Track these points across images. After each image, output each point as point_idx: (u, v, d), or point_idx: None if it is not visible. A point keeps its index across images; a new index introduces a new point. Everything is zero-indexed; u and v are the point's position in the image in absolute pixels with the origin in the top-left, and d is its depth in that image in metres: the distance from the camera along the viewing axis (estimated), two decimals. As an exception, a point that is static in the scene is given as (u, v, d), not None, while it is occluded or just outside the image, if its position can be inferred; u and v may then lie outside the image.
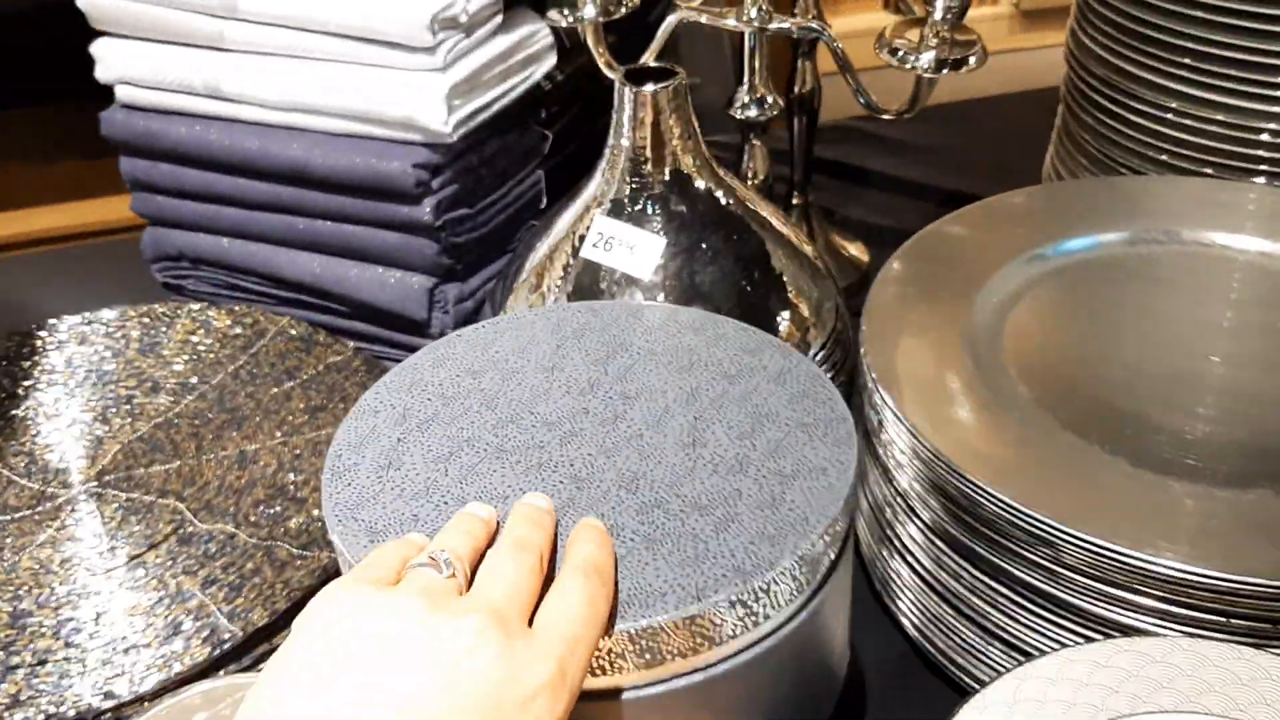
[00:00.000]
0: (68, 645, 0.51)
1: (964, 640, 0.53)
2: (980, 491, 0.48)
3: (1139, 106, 0.72)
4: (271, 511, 0.57)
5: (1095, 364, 0.57)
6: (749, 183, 0.74)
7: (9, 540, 0.57)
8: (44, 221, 1.09)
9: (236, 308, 0.71)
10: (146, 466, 0.61)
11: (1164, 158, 0.72)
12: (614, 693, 0.39)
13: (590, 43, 0.68)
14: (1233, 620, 0.46)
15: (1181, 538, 0.46)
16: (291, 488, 0.58)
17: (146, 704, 0.46)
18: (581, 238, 0.57)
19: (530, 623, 0.35)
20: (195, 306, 0.72)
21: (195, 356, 0.68)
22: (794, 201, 0.80)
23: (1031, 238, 0.64)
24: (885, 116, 0.67)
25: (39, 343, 0.70)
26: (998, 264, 0.62)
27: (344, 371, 0.65)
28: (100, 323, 0.71)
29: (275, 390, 0.65)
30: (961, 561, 0.51)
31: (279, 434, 0.62)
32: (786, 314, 0.58)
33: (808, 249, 0.61)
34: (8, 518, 0.58)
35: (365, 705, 0.31)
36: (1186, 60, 0.69)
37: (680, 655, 0.38)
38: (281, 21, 0.67)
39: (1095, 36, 0.74)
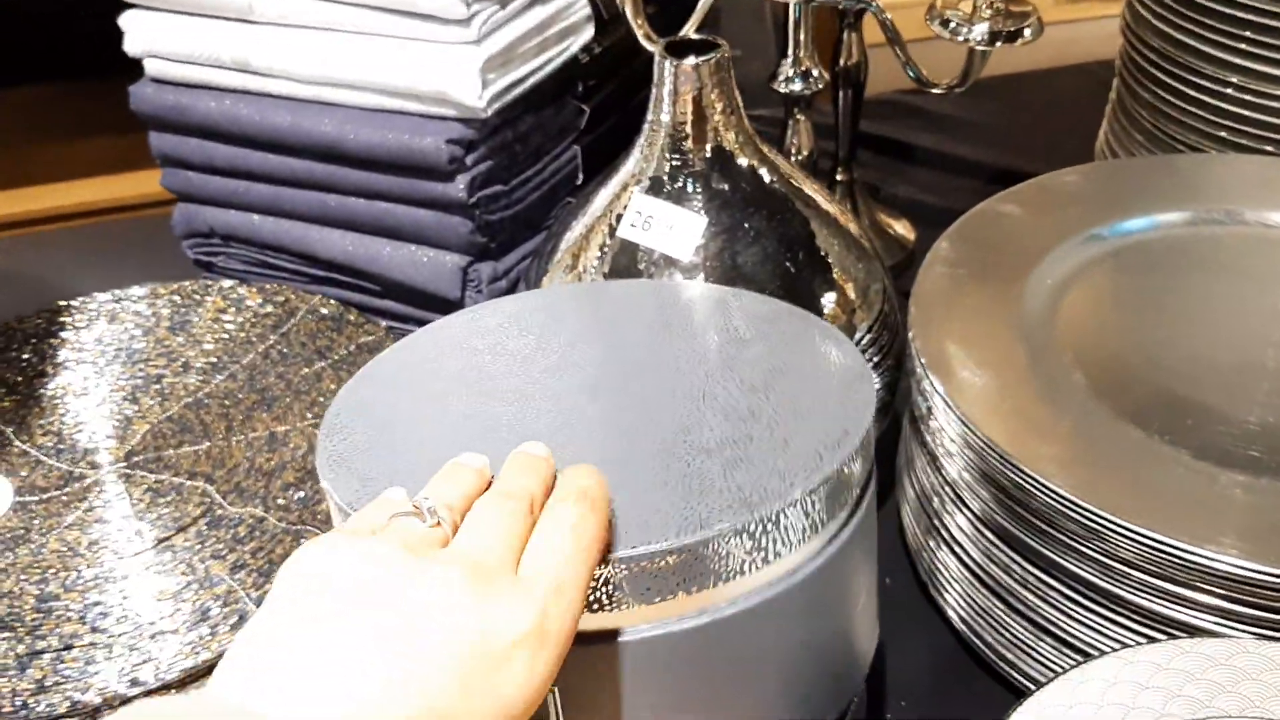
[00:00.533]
0: (94, 630, 0.50)
1: (1013, 635, 0.51)
2: (1034, 483, 0.46)
3: (1198, 81, 0.70)
4: (301, 495, 0.56)
5: (1154, 351, 0.55)
6: (792, 159, 0.72)
7: (36, 522, 0.56)
8: (76, 197, 1.08)
9: (267, 286, 0.70)
10: (176, 448, 0.60)
11: (1224, 134, 0.69)
12: (612, 634, 0.37)
13: (629, 14, 0.66)
14: (1301, 621, 0.44)
15: (1245, 533, 0.45)
16: (321, 471, 0.57)
17: (173, 691, 0.45)
18: (619, 217, 0.55)
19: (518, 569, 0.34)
20: (226, 284, 0.70)
21: (226, 335, 0.67)
22: (838, 178, 0.78)
23: (1086, 218, 0.62)
24: (935, 91, 0.65)
25: (68, 320, 0.69)
26: (1051, 245, 0.60)
27: (376, 352, 0.64)
28: (130, 300, 0.70)
29: (306, 370, 0.64)
30: (1012, 554, 0.50)
31: (309, 415, 0.61)
32: (832, 296, 0.56)
33: (853, 228, 0.59)
34: (35, 498, 0.57)
35: (333, 649, 0.30)
36: (1248, 33, 0.66)
37: (683, 589, 0.37)
38: (312, -7, 0.66)
39: (1152, 7, 0.71)
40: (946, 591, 0.55)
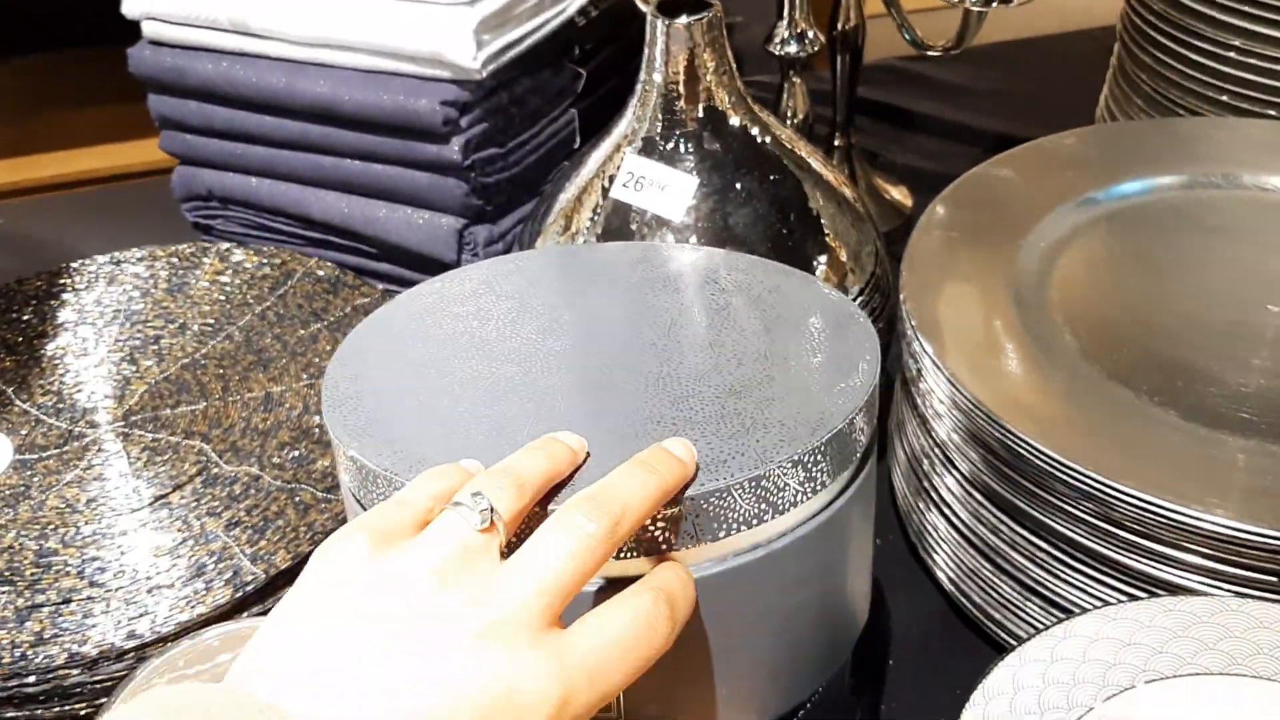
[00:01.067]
0: (92, 585, 0.51)
1: (1001, 596, 0.51)
2: (1021, 443, 0.47)
3: (1200, 44, 0.69)
4: (296, 454, 0.56)
5: (1147, 313, 0.55)
6: (788, 122, 0.71)
7: (36, 479, 0.57)
8: (79, 164, 1.09)
9: (264, 248, 0.71)
10: (173, 407, 0.60)
11: (1225, 98, 0.69)
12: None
13: (625, -24, 0.66)
14: (1286, 581, 0.44)
15: (1233, 494, 0.45)
16: (317, 431, 0.58)
17: (169, 644, 0.46)
18: (611, 178, 0.55)
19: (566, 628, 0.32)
20: (223, 247, 0.71)
21: (223, 297, 0.67)
22: (836, 143, 0.78)
23: (1082, 181, 0.62)
24: (931, 53, 0.64)
25: (68, 282, 0.69)
26: (1046, 208, 0.60)
27: (372, 313, 0.64)
28: (129, 262, 0.70)
29: (302, 332, 0.64)
30: (1000, 515, 0.50)
31: (305, 376, 0.61)
32: (824, 258, 0.56)
33: (847, 191, 0.58)
34: (35, 456, 0.58)
35: (355, 671, 0.30)
36: (1251, -5, 0.66)
37: (744, 526, 0.37)
38: (308, -46, 0.65)
39: (1155, -31, 0.71)
40: (935, 552, 0.55)
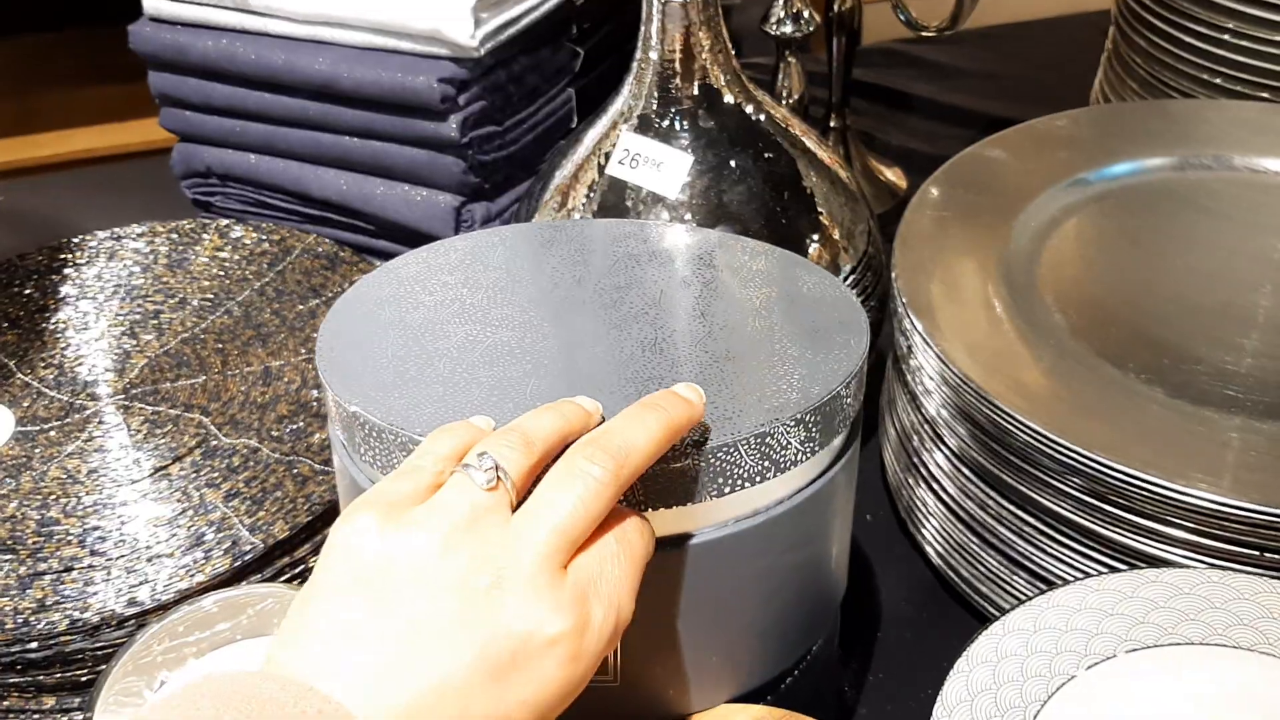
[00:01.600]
0: (93, 553, 0.51)
1: (988, 569, 0.52)
2: (1009, 419, 0.47)
3: (1193, 27, 0.69)
4: (294, 427, 0.57)
5: (1136, 293, 0.55)
6: (783, 103, 0.72)
7: (38, 451, 0.57)
8: (81, 143, 1.09)
9: (264, 225, 0.71)
10: (173, 381, 0.61)
11: (1219, 81, 0.69)
12: (680, 539, 0.38)
13: (622, -45, 0.66)
14: (1267, 554, 0.45)
15: (1218, 470, 0.45)
16: (314, 404, 0.58)
17: (168, 611, 0.47)
18: (607, 155, 0.56)
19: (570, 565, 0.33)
20: (223, 223, 0.71)
21: (222, 272, 0.68)
22: (831, 124, 0.78)
23: (1074, 162, 0.62)
24: (926, 34, 0.65)
25: (69, 257, 0.70)
26: (1038, 189, 0.60)
27: (357, 282, 0.65)
28: (129, 238, 0.71)
29: (301, 307, 0.65)
30: (988, 490, 0.51)
31: (303, 351, 0.62)
32: (817, 236, 0.56)
33: (841, 171, 0.59)
34: (37, 428, 0.59)
35: (384, 632, 0.31)
36: (1245, -23, 0.66)
37: (749, 481, 0.37)
38: (308, -69, 0.66)
39: (1150, -48, 0.71)
40: (924, 527, 0.56)
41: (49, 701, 0.50)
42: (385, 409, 0.38)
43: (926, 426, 0.53)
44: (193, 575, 0.50)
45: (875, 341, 0.61)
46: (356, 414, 0.38)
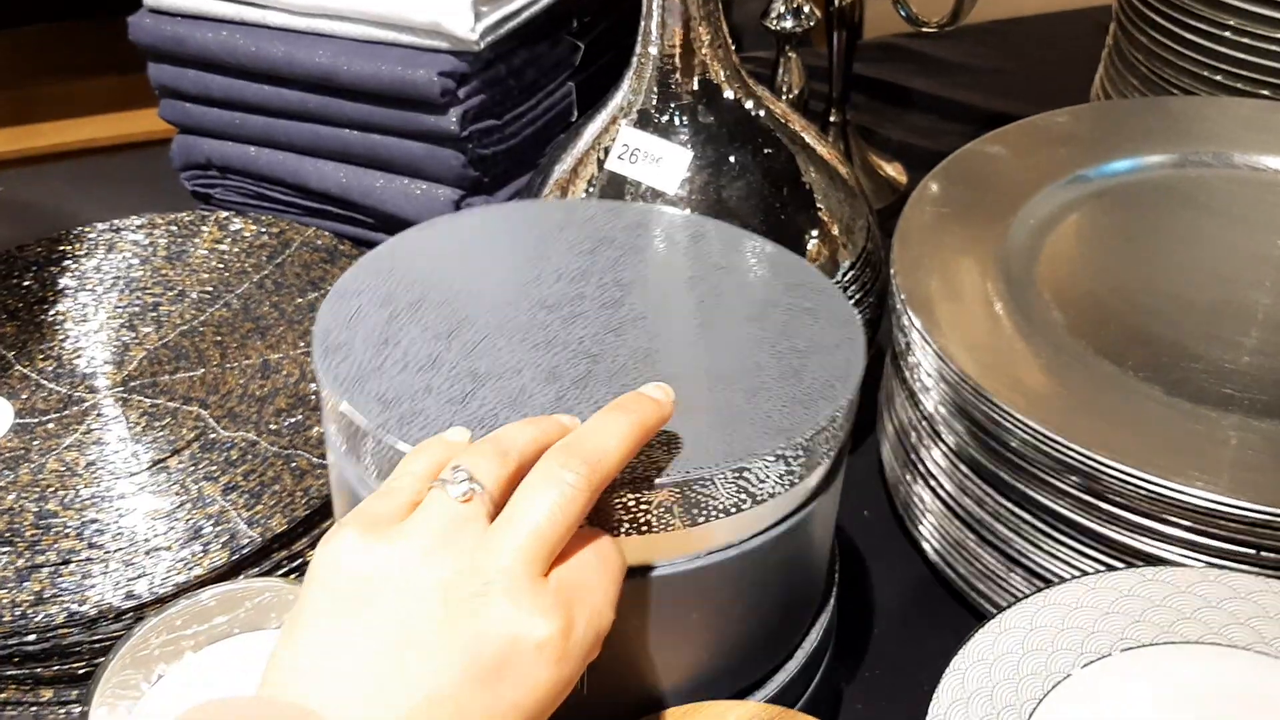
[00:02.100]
0: (91, 546, 0.51)
1: (985, 567, 0.52)
2: (1007, 416, 0.47)
3: (1194, 23, 0.69)
4: (292, 420, 0.57)
5: (1134, 290, 0.55)
6: (783, 98, 0.72)
7: (36, 443, 0.57)
8: (79, 133, 1.09)
9: (263, 217, 0.71)
10: (171, 373, 0.61)
11: (1219, 78, 0.69)
12: (650, 569, 0.38)
13: (623, -51, 0.66)
14: (1264, 554, 0.45)
15: (1216, 468, 0.45)
16: (313, 398, 0.58)
17: (166, 605, 0.47)
18: (607, 150, 0.56)
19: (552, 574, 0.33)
20: (222, 215, 0.71)
21: (221, 265, 0.68)
22: (831, 120, 0.78)
23: (1073, 159, 0.62)
24: (926, 29, 0.65)
25: (68, 248, 0.70)
26: (1037, 185, 0.60)
27: (352, 265, 0.65)
28: (128, 230, 0.71)
29: (300, 300, 0.65)
30: (985, 487, 0.51)
31: (302, 344, 0.62)
32: (815, 232, 0.56)
33: (841, 166, 0.59)
34: (35, 421, 0.59)
35: (375, 652, 0.31)
36: (1246, -26, 0.66)
37: (724, 513, 0.37)
38: (308, -77, 0.66)
39: (1152, -52, 0.71)
40: (921, 523, 0.56)
41: (46, 694, 0.50)
42: (373, 409, 0.38)
43: (924, 423, 0.53)
44: (190, 569, 0.50)
45: (874, 338, 0.61)
46: (345, 413, 0.39)
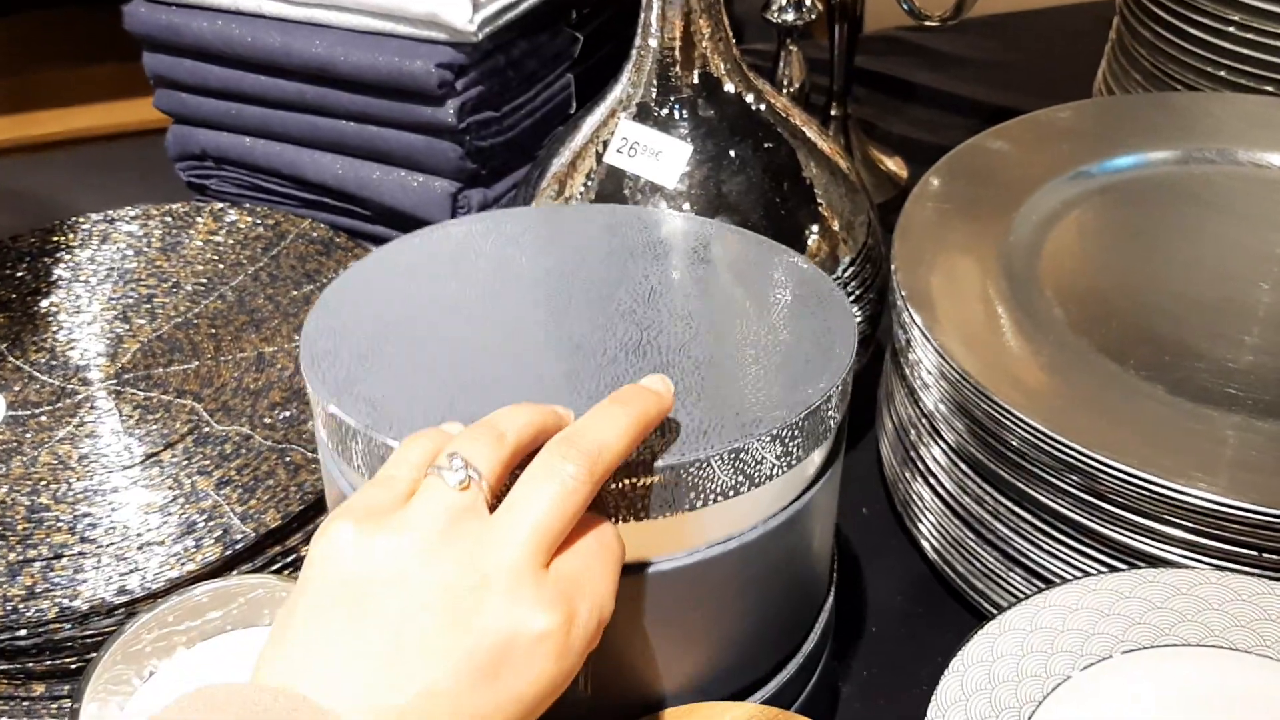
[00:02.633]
0: (83, 540, 0.51)
1: (984, 565, 0.52)
2: (1007, 414, 0.47)
3: (1198, 19, 0.69)
4: (287, 415, 0.57)
5: (1136, 288, 0.55)
6: (784, 91, 0.71)
7: (28, 436, 0.57)
8: (74, 122, 1.08)
9: (258, 209, 0.71)
10: (165, 366, 0.60)
11: (1223, 74, 0.69)
12: (650, 562, 0.38)
13: (623, -60, 0.65)
14: (1266, 555, 0.45)
15: (1218, 469, 0.45)
16: (307, 392, 0.58)
17: (159, 600, 0.46)
18: (606, 143, 0.55)
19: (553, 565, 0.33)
20: (217, 207, 0.71)
21: (216, 257, 0.67)
22: (832, 113, 0.78)
23: (1076, 154, 0.62)
24: (929, 23, 0.64)
25: (62, 239, 0.69)
26: (1039, 181, 0.60)
27: (345, 271, 0.64)
28: (123, 221, 0.70)
29: (295, 293, 0.64)
30: (985, 485, 0.50)
31: (297, 337, 0.61)
32: (816, 227, 0.56)
33: (841, 161, 0.58)
34: (28, 413, 0.58)
35: (371, 642, 0.31)
36: (1251, -31, 0.66)
37: (722, 495, 0.37)
38: (305, -88, 0.65)
39: (1156, -57, 0.70)
40: (920, 521, 0.55)
41: (38, 689, 0.50)
42: (362, 411, 0.38)
43: (924, 420, 0.53)
44: (183, 564, 0.50)
45: (874, 334, 0.61)
46: (334, 414, 0.38)
